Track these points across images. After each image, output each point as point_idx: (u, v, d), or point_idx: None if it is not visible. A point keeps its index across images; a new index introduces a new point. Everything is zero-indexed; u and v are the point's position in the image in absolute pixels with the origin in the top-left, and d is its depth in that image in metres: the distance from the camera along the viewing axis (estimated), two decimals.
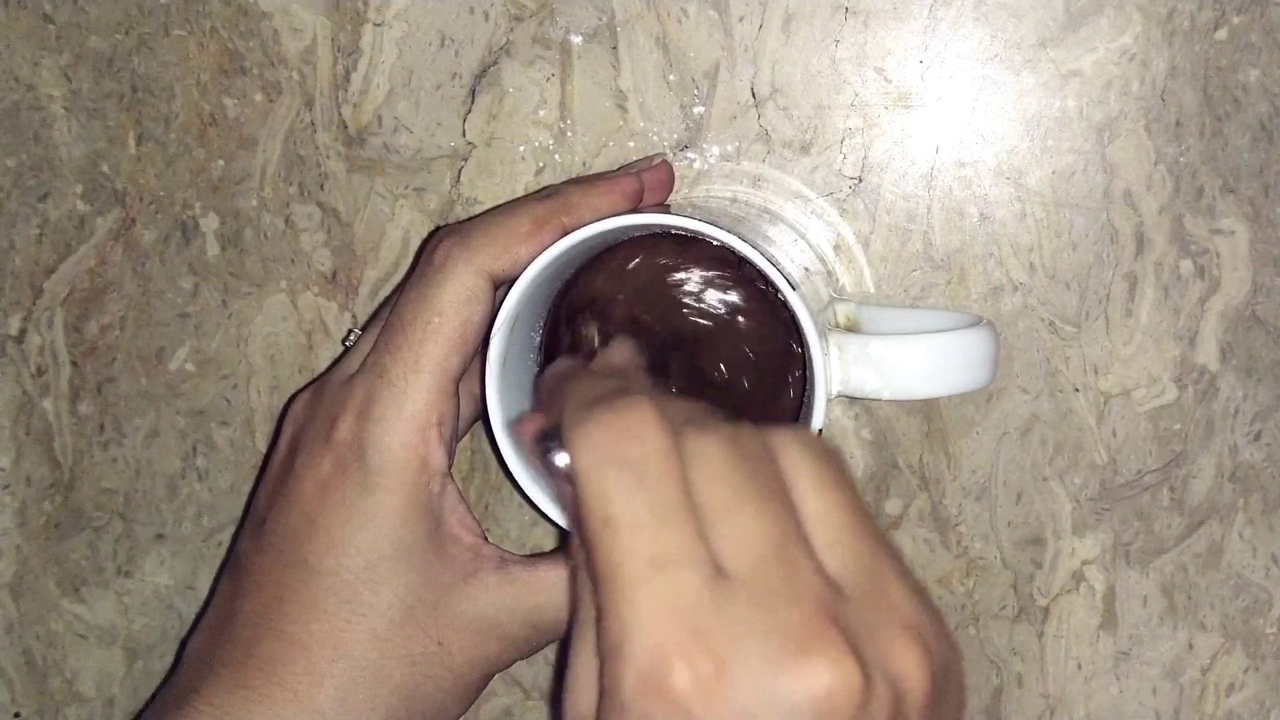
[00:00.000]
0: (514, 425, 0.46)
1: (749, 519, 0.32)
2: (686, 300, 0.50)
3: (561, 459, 0.33)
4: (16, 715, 0.58)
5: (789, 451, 0.33)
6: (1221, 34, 0.51)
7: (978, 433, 0.54)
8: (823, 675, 0.30)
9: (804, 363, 0.44)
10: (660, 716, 0.30)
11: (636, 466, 0.32)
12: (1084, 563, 0.54)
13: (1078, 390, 0.53)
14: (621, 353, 0.44)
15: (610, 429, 0.32)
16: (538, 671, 0.56)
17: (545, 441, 0.34)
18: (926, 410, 0.54)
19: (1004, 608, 0.54)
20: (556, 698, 0.56)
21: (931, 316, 0.51)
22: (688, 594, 0.30)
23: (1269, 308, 0.52)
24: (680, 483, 0.32)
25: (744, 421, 0.34)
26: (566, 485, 0.33)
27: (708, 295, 0.49)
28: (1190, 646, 0.54)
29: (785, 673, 0.30)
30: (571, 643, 0.34)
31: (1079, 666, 0.55)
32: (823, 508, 0.33)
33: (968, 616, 0.55)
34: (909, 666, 0.32)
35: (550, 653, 0.56)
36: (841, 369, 0.44)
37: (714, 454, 0.32)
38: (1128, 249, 0.52)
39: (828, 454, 0.34)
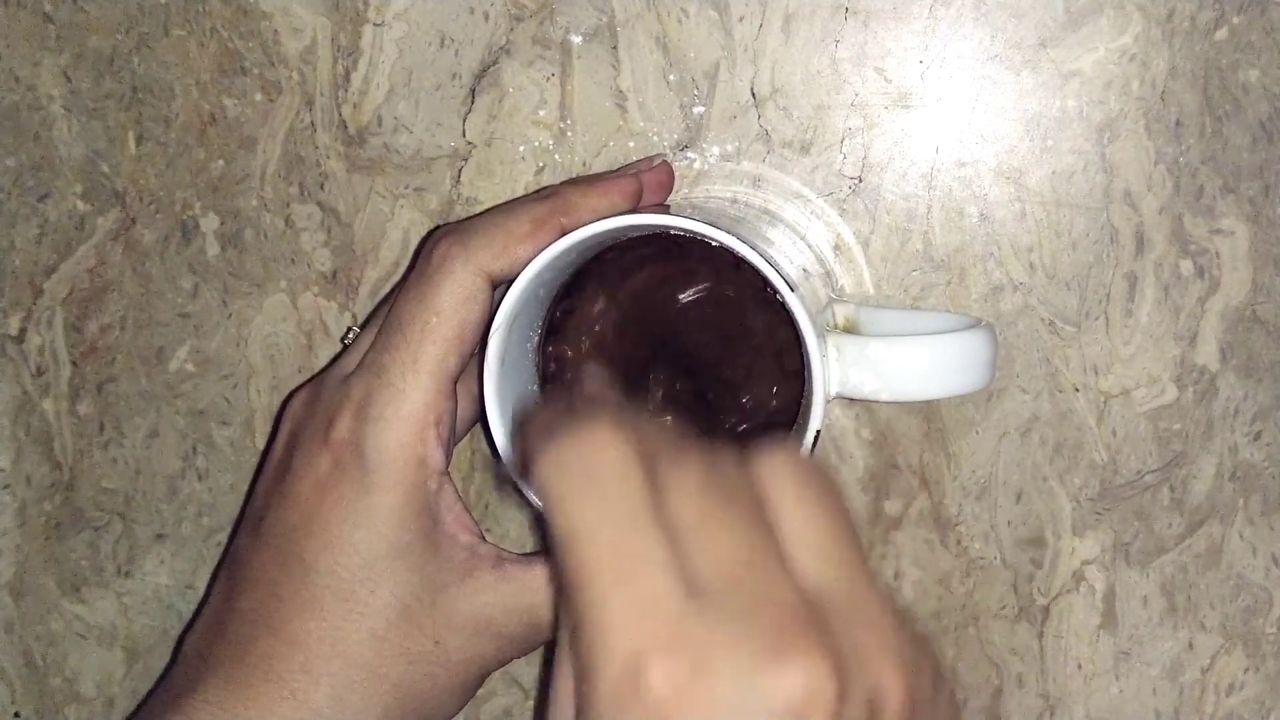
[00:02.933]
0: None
1: (721, 532, 0.31)
2: (685, 301, 0.50)
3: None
4: (16, 715, 0.58)
5: (768, 469, 0.33)
6: (1221, 34, 0.51)
7: (978, 433, 0.54)
8: (799, 677, 0.29)
9: (802, 364, 0.44)
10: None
11: (596, 479, 0.31)
12: (1084, 563, 0.54)
13: (1078, 390, 0.53)
14: (594, 380, 0.44)
15: (568, 446, 0.32)
16: (538, 671, 0.56)
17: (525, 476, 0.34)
18: (926, 410, 0.54)
19: (1004, 608, 0.54)
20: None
21: (930, 318, 0.51)
22: (658, 598, 0.30)
23: (1269, 308, 0.52)
24: (645, 496, 0.31)
25: (722, 444, 0.34)
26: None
27: (706, 296, 0.49)
28: (1190, 646, 0.54)
29: (762, 674, 0.29)
30: (553, 663, 0.34)
31: (1079, 666, 0.55)
32: (801, 524, 0.32)
33: (968, 616, 0.55)
34: (887, 674, 0.31)
35: (550, 652, 0.56)
36: (840, 370, 0.44)
37: (687, 475, 0.32)
38: (1128, 249, 0.52)
39: (810, 471, 0.34)
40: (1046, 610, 0.54)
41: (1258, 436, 0.53)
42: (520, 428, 0.38)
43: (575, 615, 0.31)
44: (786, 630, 0.30)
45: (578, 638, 0.31)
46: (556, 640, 0.34)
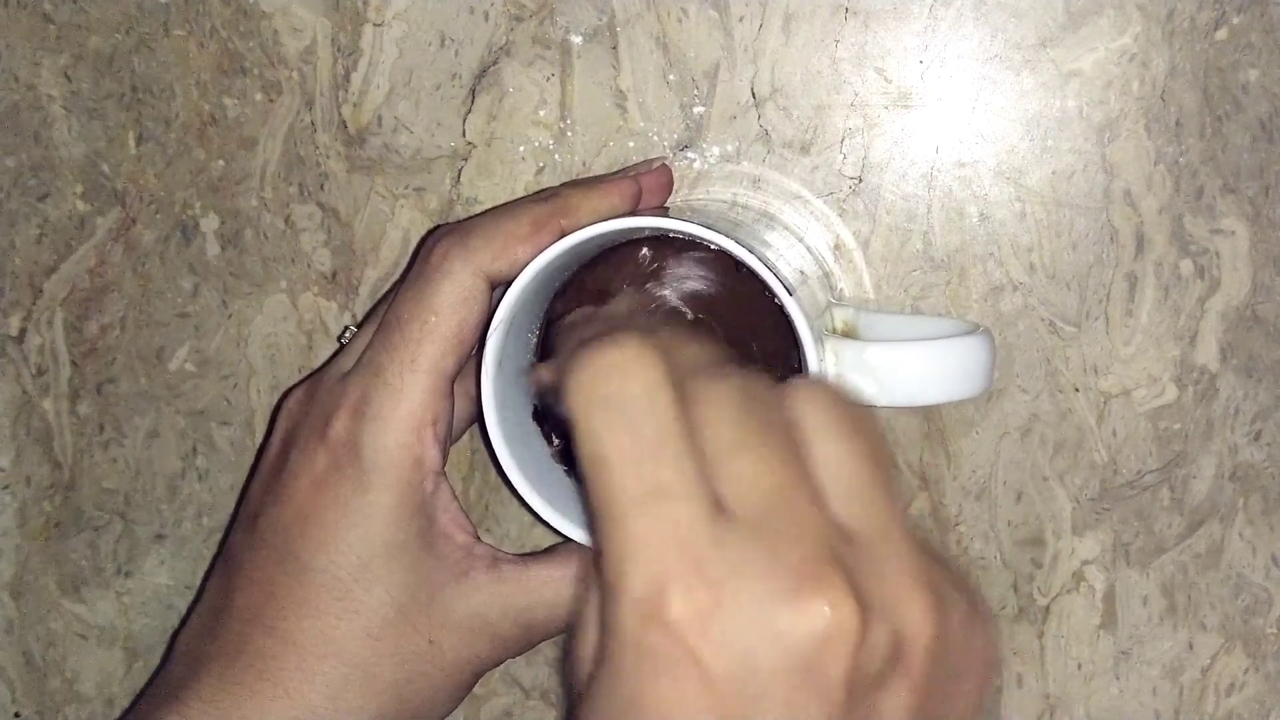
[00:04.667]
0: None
1: (754, 459, 0.31)
2: (684, 304, 0.50)
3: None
4: (16, 715, 0.58)
5: (804, 400, 0.33)
6: (1221, 34, 0.51)
7: (978, 433, 0.54)
8: (820, 613, 0.29)
9: (801, 368, 0.44)
10: (657, 646, 0.30)
11: (624, 402, 0.31)
12: (1084, 563, 0.54)
13: (1078, 390, 0.53)
14: (628, 301, 0.44)
15: (597, 367, 0.32)
16: (538, 671, 0.56)
17: (550, 394, 0.33)
18: (926, 410, 0.54)
19: (1004, 608, 0.54)
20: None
21: (929, 323, 0.50)
22: (685, 525, 0.30)
23: (1269, 308, 0.52)
24: (676, 419, 0.31)
25: (757, 370, 0.33)
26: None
27: (705, 299, 0.49)
28: (1190, 646, 0.54)
29: (783, 608, 0.29)
30: (582, 589, 0.34)
31: (1079, 666, 0.55)
32: (836, 455, 0.32)
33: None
34: (914, 614, 0.31)
35: (550, 652, 0.56)
36: (838, 375, 0.44)
37: (721, 397, 0.32)
38: (1128, 249, 0.52)
39: (847, 404, 0.33)
40: (1046, 610, 0.54)
41: (1258, 436, 0.53)
42: (557, 339, 0.37)
43: (600, 541, 0.31)
44: (813, 564, 0.30)
45: (601, 562, 0.31)
46: (587, 566, 0.34)
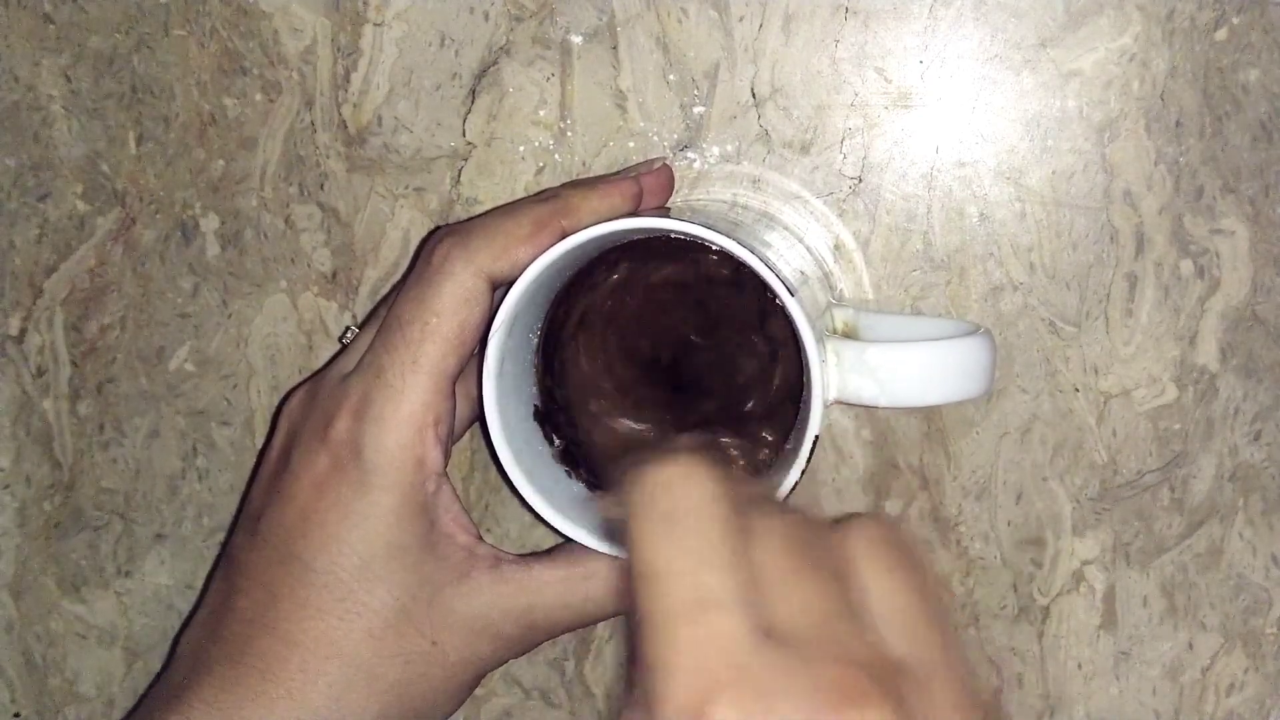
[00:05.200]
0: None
1: (805, 587, 0.31)
2: (684, 305, 0.50)
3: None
4: (16, 715, 0.58)
5: (858, 536, 0.33)
6: (1221, 34, 0.51)
7: (978, 433, 0.54)
8: None
9: (801, 369, 0.44)
10: None
11: (680, 515, 0.31)
12: (1084, 563, 0.54)
13: (1078, 390, 0.53)
14: (689, 441, 0.44)
15: (655, 481, 0.32)
16: (538, 671, 0.56)
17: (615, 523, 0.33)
18: (926, 411, 0.54)
19: (1004, 608, 0.54)
20: None
21: (929, 324, 0.50)
22: (732, 637, 0.30)
23: (1269, 308, 0.52)
24: (729, 536, 0.31)
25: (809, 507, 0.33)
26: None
27: (705, 300, 0.49)
28: (1190, 646, 0.54)
29: None
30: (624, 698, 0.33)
31: (1079, 666, 0.55)
32: (889, 589, 0.32)
33: (968, 616, 0.55)
34: None
35: (550, 652, 0.56)
36: (838, 376, 0.44)
37: (775, 529, 0.32)
38: (1128, 249, 0.52)
39: (899, 540, 0.33)
40: (1046, 610, 0.54)
41: (1258, 436, 0.53)
42: (611, 469, 0.38)
43: (644, 648, 0.30)
44: (859, 682, 0.29)
45: (643, 674, 0.31)
46: (627, 675, 0.33)
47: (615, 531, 0.33)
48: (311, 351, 0.55)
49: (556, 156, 0.53)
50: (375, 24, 0.53)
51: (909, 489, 0.54)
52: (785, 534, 0.32)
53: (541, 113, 0.53)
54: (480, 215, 0.50)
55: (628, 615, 0.33)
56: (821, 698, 0.29)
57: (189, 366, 0.55)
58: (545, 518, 0.46)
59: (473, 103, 0.53)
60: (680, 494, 0.31)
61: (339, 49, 0.53)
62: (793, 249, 0.51)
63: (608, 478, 0.41)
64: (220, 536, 0.56)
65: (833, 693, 0.29)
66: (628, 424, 0.51)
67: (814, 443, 0.44)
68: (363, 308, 0.54)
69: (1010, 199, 0.52)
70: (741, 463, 0.49)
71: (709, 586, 0.30)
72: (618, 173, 0.51)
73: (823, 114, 0.52)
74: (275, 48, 0.53)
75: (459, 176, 0.54)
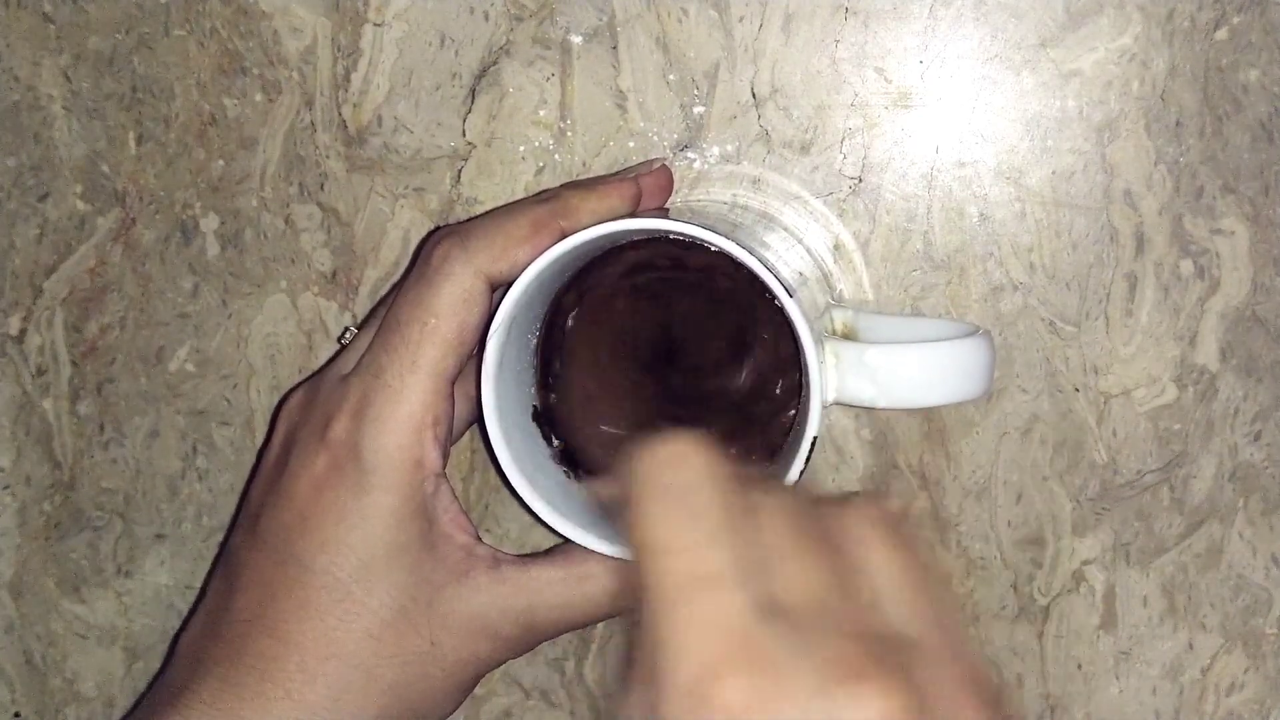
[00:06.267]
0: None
1: (808, 564, 0.31)
2: (683, 306, 0.50)
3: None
4: (16, 715, 0.58)
5: (858, 514, 0.33)
6: (1221, 34, 0.51)
7: (978, 433, 0.54)
8: (875, 702, 0.29)
9: (800, 370, 0.44)
10: None
11: (682, 490, 0.31)
12: (1084, 563, 0.54)
13: (1078, 390, 0.53)
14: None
15: (657, 457, 0.32)
16: (538, 671, 0.56)
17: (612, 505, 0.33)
18: (926, 411, 0.54)
19: (1004, 608, 0.54)
20: None
21: (929, 325, 0.50)
22: (736, 612, 0.29)
23: (1269, 308, 0.52)
24: (732, 514, 0.31)
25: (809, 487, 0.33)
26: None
27: (704, 301, 0.49)
28: (1190, 646, 0.54)
29: (836, 697, 0.29)
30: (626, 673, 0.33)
31: (1079, 666, 0.55)
32: (891, 567, 0.32)
33: (968, 617, 0.55)
34: (966, 715, 0.30)
35: (550, 652, 0.56)
36: (837, 377, 0.44)
37: (777, 507, 0.32)
38: (1128, 249, 0.52)
39: (901, 520, 0.33)
40: (1046, 610, 0.54)
41: (1258, 436, 0.53)
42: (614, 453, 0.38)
43: (647, 625, 0.30)
44: (865, 656, 0.29)
45: (645, 652, 0.30)
46: (630, 651, 0.33)
47: (613, 513, 0.33)
48: (311, 351, 0.55)
49: (556, 156, 0.53)
50: (375, 24, 0.53)
51: (909, 489, 0.54)
52: (787, 510, 0.32)
53: (541, 113, 0.53)
54: (479, 216, 0.50)
55: (628, 610, 0.33)
56: (828, 672, 0.29)
57: (189, 366, 0.55)
58: (544, 518, 0.46)
59: (473, 103, 0.53)
60: (681, 470, 0.31)
61: (339, 49, 0.53)
62: (792, 250, 0.51)
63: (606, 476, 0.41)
64: (220, 536, 0.56)
65: (839, 667, 0.29)
66: (626, 425, 0.51)
67: (813, 443, 0.44)
68: (362, 308, 0.54)
69: (1010, 199, 0.52)
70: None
71: (712, 562, 0.30)
72: (617, 173, 0.51)
73: (823, 114, 0.52)
74: (275, 48, 0.53)
75: (459, 176, 0.54)
